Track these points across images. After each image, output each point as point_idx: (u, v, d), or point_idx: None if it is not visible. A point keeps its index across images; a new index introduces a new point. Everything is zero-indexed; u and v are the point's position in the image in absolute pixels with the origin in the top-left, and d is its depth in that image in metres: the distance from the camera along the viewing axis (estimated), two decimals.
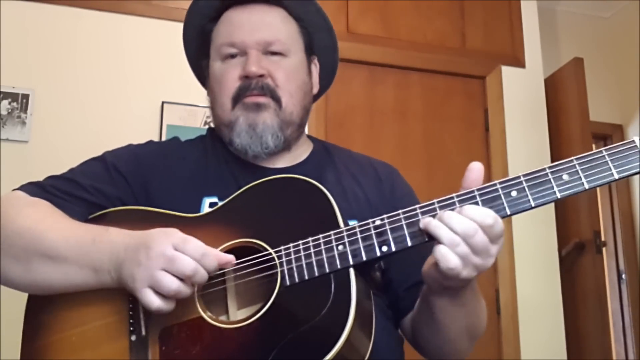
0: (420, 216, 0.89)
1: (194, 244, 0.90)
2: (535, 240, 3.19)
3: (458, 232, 0.84)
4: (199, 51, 1.27)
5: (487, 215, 0.85)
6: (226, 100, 1.16)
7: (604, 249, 3.62)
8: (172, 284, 0.88)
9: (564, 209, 3.42)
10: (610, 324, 3.78)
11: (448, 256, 0.84)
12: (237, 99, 1.15)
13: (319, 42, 1.27)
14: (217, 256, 0.93)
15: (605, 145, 4.18)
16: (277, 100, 1.15)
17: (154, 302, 0.89)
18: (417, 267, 1.12)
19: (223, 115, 1.17)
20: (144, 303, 0.90)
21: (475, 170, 0.91)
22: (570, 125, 3.47)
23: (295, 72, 1.19)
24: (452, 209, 0.87)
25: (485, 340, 3.02)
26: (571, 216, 3.47)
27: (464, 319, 1.02)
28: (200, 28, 1.24)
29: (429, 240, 0.88)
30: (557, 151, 3.39)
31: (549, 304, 3.13)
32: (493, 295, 3.10)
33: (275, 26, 1.19)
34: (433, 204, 0.90)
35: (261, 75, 1.14)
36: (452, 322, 1.02)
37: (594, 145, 3.55)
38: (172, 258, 0.88)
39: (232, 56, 1.17)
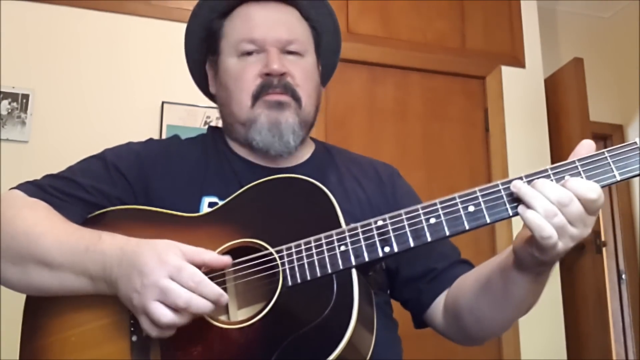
0: (422, 217, 0.89)
1: (189, 273, 0.87)
2: None
3: (552, 201, 0.81)
4: (202, 46, 1.25)
5: (591, 190, 0.81)
6: (245, 97, 1.14)
7: (604, 249, 3.62)
8: (164, 317, 0.86)
9: None
10: (610, 324, 3.77)
11: (543, 225, 0.80)
12: (258, 96, 1.14)
13: (324, 44, 1.26)
14: (215, 261, 0.91)
15: (605, 145, 4.19)
16: (297, 99, 1.14)
17: (152, 331, 0.88)
18: (433, 258, 1.10)
19: (240, 112, 1.16)
20: (144, 330, 0.90)
21: (587, 146, 0.86)
22: (570, 125, 3.47)
23: (312, 73, 1.19)
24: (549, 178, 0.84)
25: None
26: None
27: (537, 296, 0.98)
28: (208, 22, 1.22)
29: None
30: (557, 151, 3.38)
31: (548, 303, 3.12)
32: None
33: (293, 25, 1.18)
34: (435, 204, 0.89)
35: (282, 74, 1.13)
36: (526, 299, 0.98)
37: None
38: (165, 290, 0.86)
39: (249, 53, 1.16)
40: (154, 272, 0.87)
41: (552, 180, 0.84)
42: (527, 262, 0.90)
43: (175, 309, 0.86)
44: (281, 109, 1.13)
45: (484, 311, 1.03)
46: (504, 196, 0.86)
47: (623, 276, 3.97)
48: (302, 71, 1.17)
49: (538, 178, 0.85)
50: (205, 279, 0.87)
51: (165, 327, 0.88)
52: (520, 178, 0.86)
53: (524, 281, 0.93)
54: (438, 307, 1.13)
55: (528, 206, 0.82)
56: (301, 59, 1.18)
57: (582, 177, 0.84)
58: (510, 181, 0.86)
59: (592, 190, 0.81)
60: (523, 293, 0.96)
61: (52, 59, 2.70)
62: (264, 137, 1.13)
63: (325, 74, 1.31)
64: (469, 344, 1.13)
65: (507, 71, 3.39)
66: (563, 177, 0.84)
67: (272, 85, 1.13)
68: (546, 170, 0.86)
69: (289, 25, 1.17)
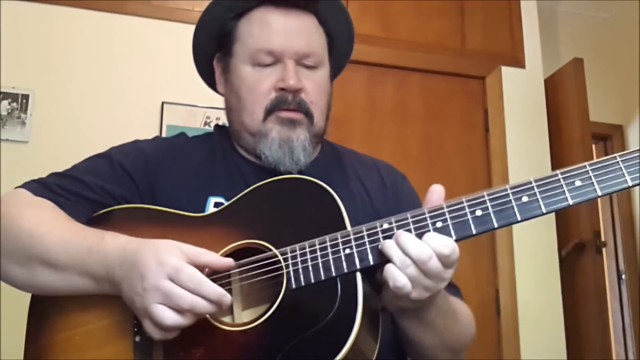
0: (428, 220, 0.88)
1: (188, 273, 0.86)
2: (535, 240, 3.19)
3: (411, 256, 0.85)
4: (212, 42, 1.22)
5: (445, 245, 0.85)
6: (258, 109, 1.13)
7: (603, 250, 3.62)
8: (167, 319, 0.85)
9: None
10: (610, 324, 3.78)
11: (396, 276, 0.85)
12: (271, 111, 1.12)
13: (336, 49, 1.25)
14: (217, 262, 0.91)
15: (605, 145, 4.19)
16: (310, 116, 1.14)
17: (155, 334, 0.88)
18: None
19: (251, 124, 1.14)
20: (148, 333, 0.89)
21: (436, 192, 0.93)
22: (570, 126, 3.47)
23: (325, 85, 1.18)
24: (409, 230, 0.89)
25: (485, 340, 3.02)
26: (571, 216, 3.46)
27: (436, 336, 1.01)
28: (222, 21, 1.19)
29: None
30: (557, 152, 3.39)
31: (549, 304, 3.12)
32: (493, 295, 3.10)
33: (311, 36, 1.15)
34: (442, 207, 0.89)
35: (298, 90, 1.12)
36: (423, 341, 1.01)
37: (593, 146, 3.55)
38: (167, 293, 0.85)
39: (266, 64, 1.14)
40: (154, 275, 0.86)
41: (563, 186, 0.84)
42: (392, 309, 0.96)
43: (178, 310, 0.86)
44: (293, 127, 1.12)
45: (405, 346, 1.08)
46: (513, 201, 0.86)
47: (623, 276, 3.97)
48: (317, 86, 1.15)
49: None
50: (205, 279, 0.86)
51: (168, 329, 0.87)
52: (529, 182, 0.86)
53: (407, 324, 0.99)
54: None
55: (388, 258, 0.87)
56: (316, 72, 1.16)
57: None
58: (519, 185, 0.86)
59: (446, 246, 0.85)
60: (414, 335, 1.01)
61: (52, 59, 2.70)
62: (274, 153, 1.12)
63: (332, 75, 1.28)
64: None
65: (507, 71, 3.39)
66: (574, 182, 0.83)
67: (286, 101, 1.12)
68: (556, 175, 0.85)
69: (307, 37, 1.14)
